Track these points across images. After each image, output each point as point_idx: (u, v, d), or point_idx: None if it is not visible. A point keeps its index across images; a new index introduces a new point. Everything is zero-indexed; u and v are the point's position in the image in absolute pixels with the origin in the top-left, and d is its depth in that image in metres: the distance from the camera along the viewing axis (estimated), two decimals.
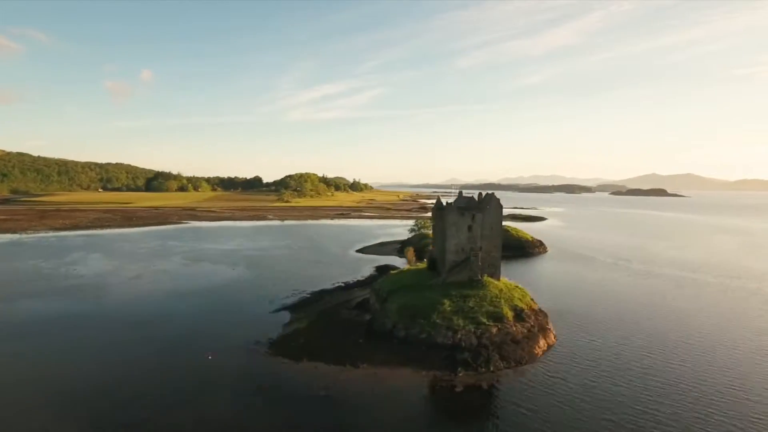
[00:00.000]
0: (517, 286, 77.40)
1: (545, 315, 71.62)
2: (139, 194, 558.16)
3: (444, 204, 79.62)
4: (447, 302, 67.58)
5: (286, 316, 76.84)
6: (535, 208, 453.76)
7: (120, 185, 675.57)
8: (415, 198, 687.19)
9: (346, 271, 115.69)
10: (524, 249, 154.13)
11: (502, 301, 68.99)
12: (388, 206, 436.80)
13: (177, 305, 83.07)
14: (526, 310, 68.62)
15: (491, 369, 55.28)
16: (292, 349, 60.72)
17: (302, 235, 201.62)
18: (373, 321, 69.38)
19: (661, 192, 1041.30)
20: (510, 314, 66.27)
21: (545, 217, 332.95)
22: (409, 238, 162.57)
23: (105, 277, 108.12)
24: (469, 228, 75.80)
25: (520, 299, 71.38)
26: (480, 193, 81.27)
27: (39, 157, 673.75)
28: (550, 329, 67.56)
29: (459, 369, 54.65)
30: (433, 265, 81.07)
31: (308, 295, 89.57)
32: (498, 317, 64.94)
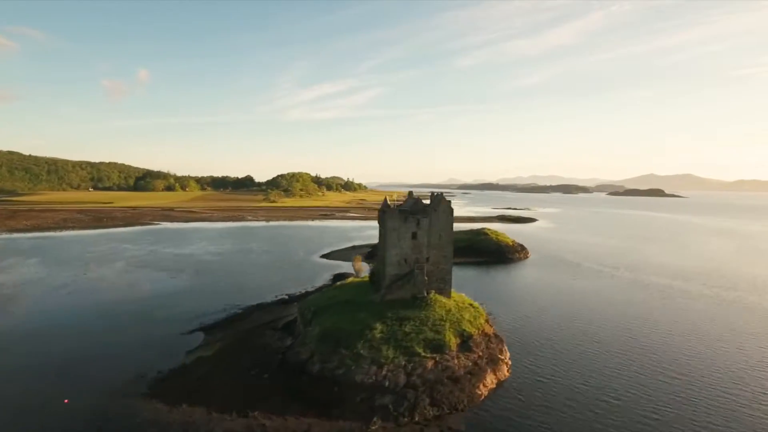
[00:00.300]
0: (471, 304, 65.78)
1: (500, 341, 59.88)
2: (124, 194, 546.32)
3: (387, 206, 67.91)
4: (380, 326, 55.90)
5: (198, 338, 65.11)
6: (528, 209, 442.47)
7: (111, 185, 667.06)
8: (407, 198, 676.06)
9: (299, 280, 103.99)
10: (503, 254, 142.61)
11: (447, 324, 57.34)
12: (377, 206, 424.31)
13: (74, 324, 71.13)
14: (475, 336, 56.98)
15: (415, 418, 43.56)
16: (179, 387, 49.00)
17: (273, 237, 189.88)
18: (288, 349, 57.56)
19: (658, 192, 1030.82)
20: (454, 342, 54.61)
21: (536, 218, 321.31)
22: (371, 245, 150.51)
23: (23, 286, 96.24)
24: (414, 235, 64.10)
25: (470, 321, 59.74)
26: (433, 193, 69.56)
27: (30, 156, 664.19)
28: (503, 360, 55.81)
29: (374, 418, 42.95)
30: (375, 279, 69.35)
31: (239, 311, 77.84)
32: (438, 346, 53.26)
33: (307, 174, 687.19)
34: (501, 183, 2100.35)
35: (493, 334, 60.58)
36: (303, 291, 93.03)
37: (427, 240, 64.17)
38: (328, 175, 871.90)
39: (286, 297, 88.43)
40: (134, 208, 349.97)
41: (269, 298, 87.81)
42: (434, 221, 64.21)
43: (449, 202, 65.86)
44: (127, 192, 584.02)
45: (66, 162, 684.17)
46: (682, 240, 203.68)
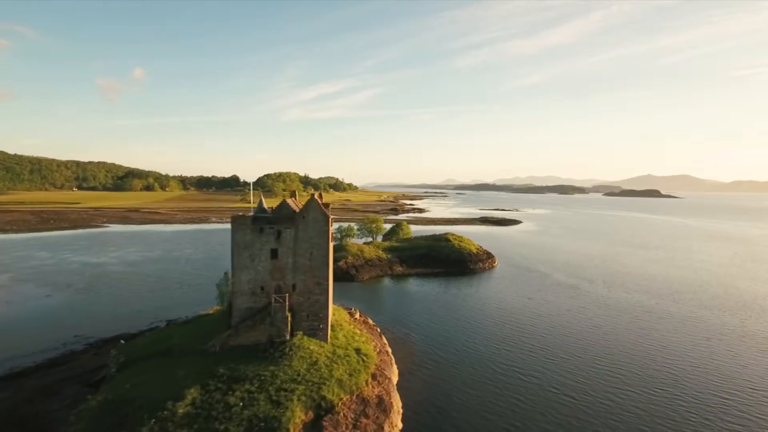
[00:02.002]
0: (358, 350, 47.18)
1: (386, 408, 41.18)
2: (98, 194, 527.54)
3: (255, 212, 49.16)
4: (192, 394, 37.28)
5: None
6: (517, 210, 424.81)
7: (97, 184, 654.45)
8: (398, 198, 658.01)
9: (201, 301, 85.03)
10: (464, 264, 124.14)
11: (300, 389, 38.74)
12: (356, 207, 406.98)
13: None
14: (339, 407, 38.35)
15: None
16: None
17: (223, 241, 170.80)
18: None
19: (654, 193, 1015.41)
20: (299, 419, 36.01)
21: (521, 220, 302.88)
22: None
23: None
24: (274, 253, 45.48)
25: (342, 381, 41.17)
26: (312, 194, 50.86)
27: (15, 155, 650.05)
28: None
29: None
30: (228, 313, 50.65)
31: (61, 353, 57.44)
32: (269, 430, 34.63)
33: (295, 174, 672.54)
34: (498, 183, 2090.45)
35: (377, 397, 41.88)
36: (184, 316, 73.85)
37: (293, 260, 45.56)
38: (324, 176, 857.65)
39: (164, 324, 69.59)
40: (97, 208, 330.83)
41: (141, 326, 69.07)
42: (303, 234, 45.58)
43: (324, 207, 47.05)
44: (105, 192, 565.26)
45: (51, 161, 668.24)
46: (673, 245, 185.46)
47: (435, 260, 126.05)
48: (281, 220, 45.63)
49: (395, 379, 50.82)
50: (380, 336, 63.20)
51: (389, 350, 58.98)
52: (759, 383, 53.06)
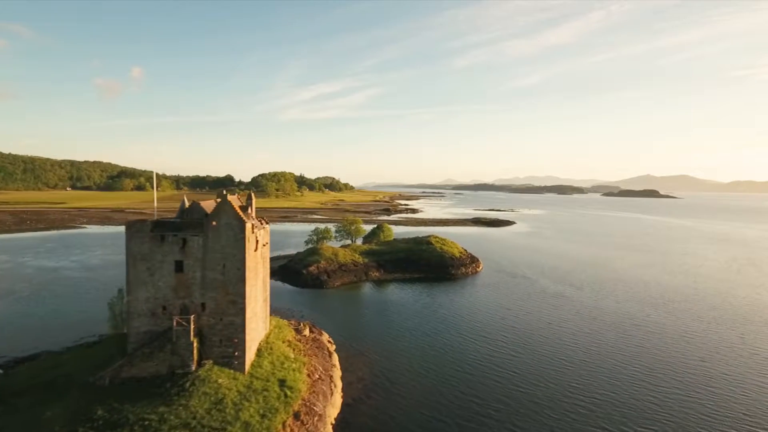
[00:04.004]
0: (283, 380, 39.48)
1: None
2: (87, 193, 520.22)
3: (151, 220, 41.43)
4: None
5: None
6: (512, 211, 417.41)
7: (91, 184, 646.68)
8: (393, 198, 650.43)
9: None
10: (445, 268, 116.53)
11: None
12: (349, 207, 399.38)
13: None
14: None
15: None
16: None
17: None
18: None
19: (652, 193, 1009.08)
20: None
21: (514, 221, 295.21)
22: (294, 256, 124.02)
23: None
24: (179, 266, 37.80)
25: (261, 418, 33.64)
26: (225, 193, 43.16)
27: (9, 154, 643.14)
28: None
29: None
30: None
31: None
32: None
33: (290, 174, 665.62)
34: (497, 184, 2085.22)
35: None
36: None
37: (202, 274, 37.89)
38: (322, 176, 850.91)
39: (97, 339, 61.80)
40: (81, 209, 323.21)
41: (66, 342, 61.29)
42: (213, 243, 37.91)
43: (238, 211, 39.24)
44: (94, 192, 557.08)
45: (45, 161, 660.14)
46: (668, 248, 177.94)
47: (415, 265, 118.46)
48: (188, 227, 37.96)
49: (334, 413, 43.13)
50: (329, 356, 55.53)
51: (336, 374, 51.28)
52: (765, 417, 45.40)
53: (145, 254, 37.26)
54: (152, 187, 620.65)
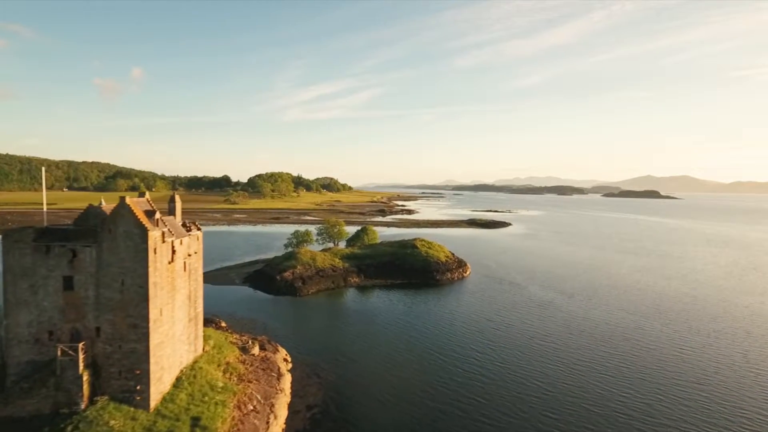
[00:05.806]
0: (207, 413, 33.11)
1: None
2: (78, 194, 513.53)
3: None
4: None
5: None
6: (510, 211, 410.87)
7: (88, 184, 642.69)
8: (391, 199, 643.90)
9: None
10: (430, 274, 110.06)
11: None
12: (344, 209, 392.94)
13: None
14: None
15: None
16: None
17: None
18: None
19: (653, 194, 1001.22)
20: None
21: (511, 222, 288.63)
22: (269, 262, 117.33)
23: None
24: (68, 283, 31.48)
25: None
26: (123, 198, 36.79)
27: (6, 154, 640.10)
28: None
29: None
30: None
31: None
32: None
33: (287, 174, 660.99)
34: (497, 184, 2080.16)
35: None
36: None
37: (96, 293, 31.55)
38: (322, 176, 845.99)
39: None
40: (69, 209, 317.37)
41: None
42: (109, 255, 31.59)
43: (140, 217, 32.76)
44: (87, 192, 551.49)
45: (42, 161, 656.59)
46: (667, 251, 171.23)
47: (398, 269, 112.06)
48: (78, 235, 31.68)
49: None
50: (278, 379, 49.07)
51: (281, 402, 44.76)
52: None
53: (26, 269, 31.04)
54: (147, 189, 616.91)
